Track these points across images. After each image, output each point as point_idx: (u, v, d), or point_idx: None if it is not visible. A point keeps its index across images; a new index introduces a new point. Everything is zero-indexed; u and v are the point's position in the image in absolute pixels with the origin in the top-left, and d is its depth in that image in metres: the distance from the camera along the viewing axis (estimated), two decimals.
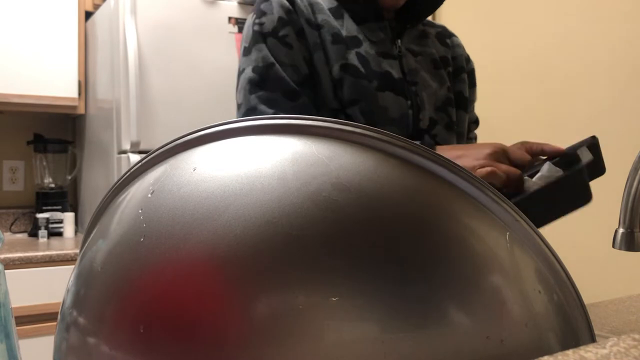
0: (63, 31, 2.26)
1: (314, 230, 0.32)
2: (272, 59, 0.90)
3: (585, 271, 1.70)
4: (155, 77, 1.97)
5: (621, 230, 0.53)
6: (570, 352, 0.30)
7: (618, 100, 1.66)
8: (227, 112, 2.05)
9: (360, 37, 0.95)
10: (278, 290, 0.31)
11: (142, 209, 0.36)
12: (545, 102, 1.86)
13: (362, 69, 0.92)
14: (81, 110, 2.34)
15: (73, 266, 1.66)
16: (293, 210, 0.33)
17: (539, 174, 0.81)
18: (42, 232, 2.18)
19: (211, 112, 2.03)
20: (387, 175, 0.35)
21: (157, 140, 1.96)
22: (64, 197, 2.40)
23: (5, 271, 1.85)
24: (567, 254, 1.74)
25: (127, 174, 0.42)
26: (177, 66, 2.00)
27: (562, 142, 1.79)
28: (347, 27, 0.95)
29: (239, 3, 2.10)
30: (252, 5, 2.11)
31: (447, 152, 0.84)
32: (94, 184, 2.29)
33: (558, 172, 0.81)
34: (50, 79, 2.24)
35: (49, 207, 2.30)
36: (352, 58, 0.92)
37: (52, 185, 2.43)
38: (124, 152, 1.97)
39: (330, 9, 0.96)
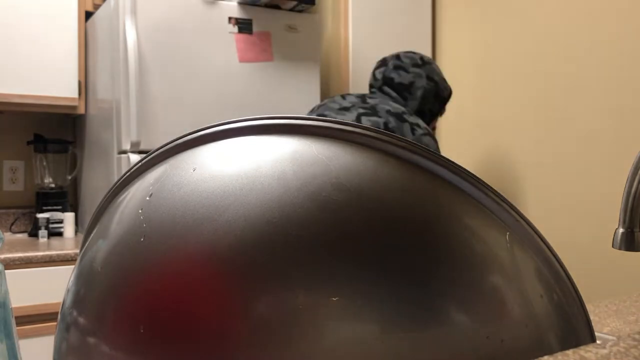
0: (63, 31, 2.26)
1: (314, 230, 0.32)
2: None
3: (585, 271, 1.70)
4: (155, 77, 1.97)
5: (621, 230, 0.53)
6: (570, 352, 0.30)
7: (618, 100, 1.66)
8: (227, 112, 2.05)
9: None
10: (278, 290, 0.31)
11: (142, 209, 0.36)
12: (545, 102, 1.86)
13: None
14: (81, 110, 2.34)
15: (73, 266, 1.66)
16: (293, 210, 0.33)
17: None
18: (42, 232, 2.18)
19: (211, 112, 2.03)
20: (387, 175, 0.35)
21: (157, 140, 1.96)
22: (64, 197, 2.40)
23: (5, 271, 1.85)
24: (567, 254, 1.74)
25: (127, 174, 0.42)
26: (177, 66, 2.00)
27: (562, 141, 1.79)
28: None
29: (239, 3, 2.10)
30: (252, 5, 2.11)
31: None
32: (94, 184, 2.29)
33: None
34: (50, 79, 2.24)
35: (49, 207, 2.30)
36: None
37: (52, 185, 2.43)
38: (124, 152, 1.97)
39: None
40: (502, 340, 0.32)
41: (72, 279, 0.40)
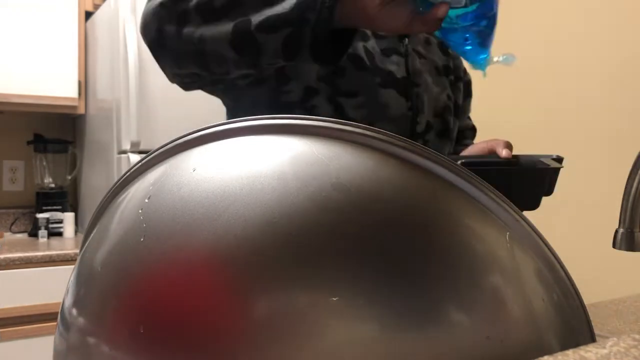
0: (63, 31, 2.26)
1: (314, 230, 0.32)
2: None
3: (585, 271, 1.70)
4: (155, 77, 1.97)
5: (621, 230, 0.53)
6: (570, 352, 0.30)
7: (618, 100, 1.66)
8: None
9: (368, 32, 0.91)
10: (278, 290, 0.31)
11: (142, 209, 0.36)
12: (545, 102, 1.86)
13: (367, 63, 0.89)
14: (81, 110, 2.34)
15: (73, 266, 1.66)
16: (293, 210, 0.33)
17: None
18: (42, 232, 2.18)
19: (211, 112, 2.03)
20: (387, 175, 0.35)
21: (157, 140, 1.97)
22: (64, 197, 2.40)
23: (5, 271, 1.85)
24: (567, 254, 1.74)
25: (127, 174, 0.42)
26: None
27: (562, 141, 1.79)
28: None
29: None
30: None
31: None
32: (94, 184, 2.29)
33: (545, 160, 0.79)
34: (50, 79, 2.24)
35: (49, 207, 2.30)
36: (360, 49, 0.89)
37: (52, 185, 2.43)
38: (124, 152, 1.97)
39: None
40: (502, 340, 0.32)
41: (72, 279, 0.40)
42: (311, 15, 0.68)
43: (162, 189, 0.37)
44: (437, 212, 0.35)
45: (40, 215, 2.20)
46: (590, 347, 0.30)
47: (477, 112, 1.97)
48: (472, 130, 1.15)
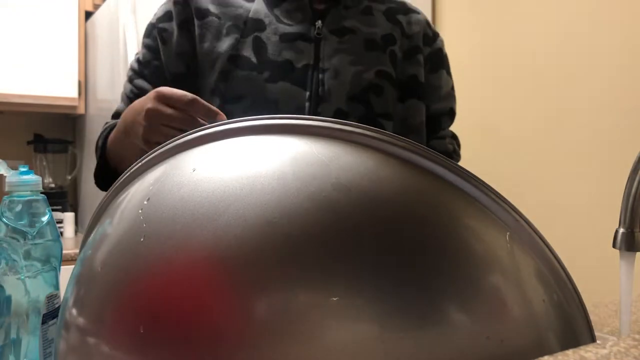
0: (63, 31, 2.26)
1: (314, 230, 0.32)
2: (149, 55, 0.89)
3: (585, 271, 1.70)
4: None
5: (621, 230, 0.53)
6: (570, 352, 0.30)
7: (618, 100, 1.67)
8: None
9: (267, 20, 0.86)
10: (278, 290, 0.31)
11: (142, 209, 0.36)
12: (545, 103, 1.86)
13: (253, 59, 0.83)
14: (81, 110, 2.34)
15: (73, 266, 1.66)
16: (293, 210, 0.33)
17: None
18: None
19: None
20: (387, 176, 0.35)
21: None
22: (64, 197, 2.40)
23: None
24: (567, 254, 1.74)
25: (127, 174, 0.42)
26: None
27: (563, 141, 1.79)
28: (257, 9, 0.87)
29: None
30: None
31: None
32: (94, 184, 2.29)
33: None
34: (50, 79, 2.24)
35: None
36: (246, 47, 0.84)
37: (52, 185, 2.43)
38: None
39: None
40: (502, 340, 0.32)
41: (72, 279, 0.40)
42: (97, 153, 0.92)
43: (162, 189, 0.37)
44: (437, 212, 0.35)
45: None
46: (590, 347, 0.30)
47: (478, 113, 1.96)
48: (449, 115, 1.00)
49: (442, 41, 0.98)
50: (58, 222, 2.29)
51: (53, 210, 2.57)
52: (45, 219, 0.55)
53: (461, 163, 2.10)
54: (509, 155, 1.96)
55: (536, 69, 1.90)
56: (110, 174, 0.91)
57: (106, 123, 0.96)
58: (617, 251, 0.55)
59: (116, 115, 0.93)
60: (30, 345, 0.52)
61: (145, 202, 0.37)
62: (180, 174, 0.37)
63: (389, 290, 0.31)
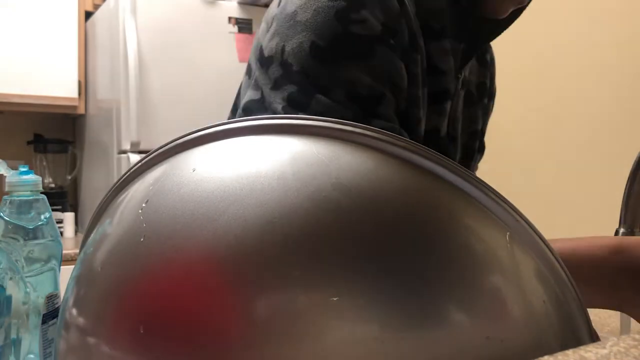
0: (63, 31, 2.26)
1: (314, 230, 0.32)
2: (380, 88, 0.58)
3: None
4: (155, 77, 1.97)
5: (621, 230, 0.53)
6: (570, 352, 0.30)
7: (619, 101, 1.67)
8: (227, 112, 2.05)
9: (429, 64, 0.64)
10: (278, 290, 0.31)
11: (142, 209, 0.36)
12: (545, 103, 1.86)
13: (416, 127, 0.63)
14: (81, 110, 2.34)
15: (73, 266, 1.66)
16: (293, 210, 0.33)
17: None
18: None
19: (211, 112, 2.03)
20: (387, 175, 0.35)
21: (157, 140, 1.96)
22: (64, 197, 2.40)
23: None
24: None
25: (127, 174, 0.42)
26: (177, 66, 2.00)
27: (563, 141, 1.79)
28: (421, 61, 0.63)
29: (239, 3, 2.10)
30: (252, 5, 2.11)
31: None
32: (94, 184, 2.29)
33: None
34: (50, 79, 2.24)
35: None
36: (412, 114, 0.62)
37: (52, 185, 2.43)
38: (124, 152, 1.97)
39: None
40: (502, 340, 0.32)
41: (72, 279, 0.40)
42: None
43: (162, 189, 0.37)
44: (437, 212, 0.35)
45: None
46: (590, 347, 0.30)
47: None
48: (481, 152, 0.89)
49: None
50: (58, 222, 2.29)
51: (53, 210, 2.57)
52: (45, 219, 0.55)
53: None
54: (508, 154, 1.96)
55: (536, 69, 1.90)
56: None
57: None
58: None
59: None
60: (31, 345, 0.52)
61: (145, 202, 0.37)
62: (180, 174, 0.37)
63: (389, 290, 0.31)
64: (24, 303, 0.51)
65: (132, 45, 1.91)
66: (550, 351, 0.33)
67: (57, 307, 0.55)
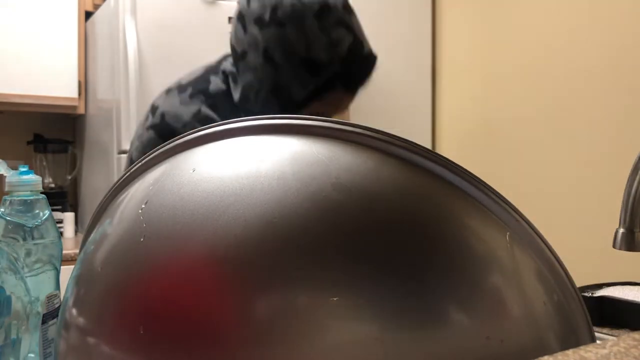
0: (63, 31, 2.26)
1: (314, 230, 0.32)
2: None
3: (585, 271, 1.70)
4: (155, 77, 1.97)
5: (621, 230, 0.53)
6: (570, 352, 0.30)
7: (619, 100, 1.66)
8: None
9: None
10: (278, 290, 0.31)
11: (142, 209, 0.36)
12: (545, 103, 1.86)
13: None
14: (81, 110, 2.34)
15: (73, 266, 1.66)
16: (293, 210, 0.33)
17: None
18: None
19: None
20: (387, 175, 0.35)
21: None
22: (64, 197, 2.40)
23: None
24: (567, 254, 1.74)
25: (127, 174, 0.42)
26: (177, 66, 2.00)
27: (563, 141, 1.79)
28: None
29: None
30: None
31: None
32: (94, 184, 2.29)
33: None
34: (50, 79, 2.24)
35: None
36: None
37: (52, 185, 2.43)
38: (124, 152, 1.97)
39: None
40: (502, 340, 0.32)
41: (72, 279, 0.40)
42: None
43: (162, 189, 0.37)
44: (437, 212, 0.35)
45: None
46: (590, 347, 0.30)
47: (479, 112, 1.96)
48: None
49: None
50: (58, 222, 2.29)
51: (53, 210, 2.57)
52: (45, 219, 0.55)
53: (461, 163, 2.11)
54: (509, 155, 1.96)
55: (536, 69, 1.90)
56: None
57: None
58: (617, 251, 0.55)
59: None
60: (31, 345, 0.52)
61: (145, 202, 0.37)
62: (180, 174, 0.37)
63: (389, 290, 0.31)
64: (24, 303, 0.51)
65: (132, 45, 1.91)
66: (550, 351, 0.33)
67: (57, 307, 0.55)
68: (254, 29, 0.86)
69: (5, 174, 0.56)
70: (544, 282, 0.36)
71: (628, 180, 0.53)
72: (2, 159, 0.58)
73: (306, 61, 0.83)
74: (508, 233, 0.36)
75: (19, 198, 0.55)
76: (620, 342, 0.30)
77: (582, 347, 0.30)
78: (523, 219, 0.37)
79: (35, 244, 0.53)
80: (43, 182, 2.42)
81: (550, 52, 1.85)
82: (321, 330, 0.30)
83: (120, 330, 0.33)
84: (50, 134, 2.50)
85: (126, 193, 0.40)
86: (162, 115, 0.91)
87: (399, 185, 0.35)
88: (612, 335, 0.69)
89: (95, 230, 0.41)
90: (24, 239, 0.53)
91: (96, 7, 2.34)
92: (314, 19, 0.82)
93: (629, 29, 1.64)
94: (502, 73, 1.99)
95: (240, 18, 0.90)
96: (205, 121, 0.87)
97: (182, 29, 2.01)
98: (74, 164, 2.52)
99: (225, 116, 0.89)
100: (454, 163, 0.36)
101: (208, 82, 0.95)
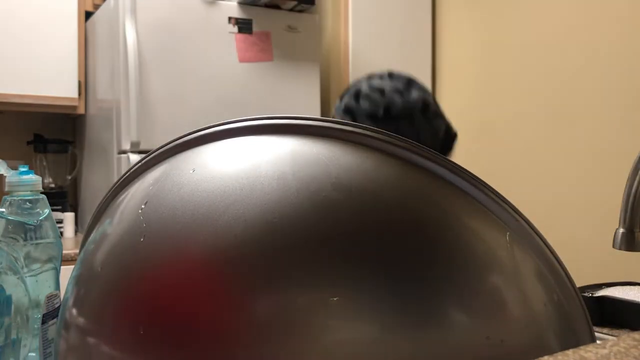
0: (63, 31, 2.26)
1: (314, 230, 0.32)
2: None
3: (585, 271, 1.70)
4: (155, 77, 1.97)
5: (621, 230, 0.53)
6: (570, 352, 0.30)
7: (619, 100, 1.66)
8: (227, 112, 2.05)
9: None
10: (278, 290, 0.31)
11: (142, 209, 0.36)
12: (545, 103, 1.86)
13: None
14: (81, 110, 2.34)
15: (73, 266, 1.66)
16: (293, 210, 0.33)
17: None
18: None
19: (211, 112, 2.03)
20: (387, 176, 0.35)
21: (157, 140, 1.96)
22: (64, 197, 2.40)
23: None
24: (567, 254, 1.74)
25: (127, 174, 0.42)
26: (177, 66, 2.00)
27: (562, 141, 1.79)
28: None
29: (239, 3, 2.10)
30: (252, 5, 2.11)
31: None
32: (94, 184, 2.29)
33: None
34: (50, 79, 2.24)
35: None
36: None
37: (52, 185, 2.43)
38: (124, 152, 1.97)
39: None
40: (502, 340, 0.32)
41: (72, 279, 0.40)
42: None
43: (162, 189, 0.37)
44: (437, 212, 0.35)
45: None
46: (590, 347, 0.30)
47: (479, 112, 1.96)
48: None
49: None
50: (58, 222, 2.29)
51: (53, 210, 2.58)
52: (45, 219, 0.55)
53: (461, 163, 2.11)
54: (508, 154, 1.96)
55: (536, 69, 1.90)
56: None
57: None
58: (617, 251, 0.55)
59: None
60: (31, 345, 0.52)
61: (145, 202, 0.37)
62: (180, 174, 0.37)
63: (389, 290, 0.31)
64: (24, 303, 0.51)
65: (132, 45, 1.91)
66: (550, 351, 0.33)
67: (57, 307, 0.55)
68: (366, 124, 1.03)
69: (5, 174, 0.56)
70: (544, 282, 0.36)
71: (628, 180, 0.53)
72: (2, 159, 0.58)
73: None
74: (508, 233, 0.36)
75: (19, 198, 0.55)
76: (620, 342, 0.30)
77: (582, 347, 0.30)
78: (523, 219, 0.37)
79: (35, 244, 0.53)
80: (43, 182, 2.42)
81: (550, 52, 1.85)
82: (321, 330, 0.30)
83: (120, 330, 0.33)
84: (50, 134, 2.50)
85: (126, 193, 0.40)
86: None
87: (399, 185, 0.35)
88: (612, 335, 0.69)
89: (95, 230, 0.41)
90: (24, 239, 0.53)
91: (96, 7, 2.34)
92: (420, 114, 1.02)
93: (628, 29, 1.64)
94: (502, 73, 1.99)
95: (349, 112, 1.05)
96: None
97: (182, 29, 2.01)
98: (74, 164, 2.53)
99: None
100: (454, 163, 0.36)
101: None
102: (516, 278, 0.35)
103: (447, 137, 1.08)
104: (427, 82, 2.23)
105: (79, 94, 2.31)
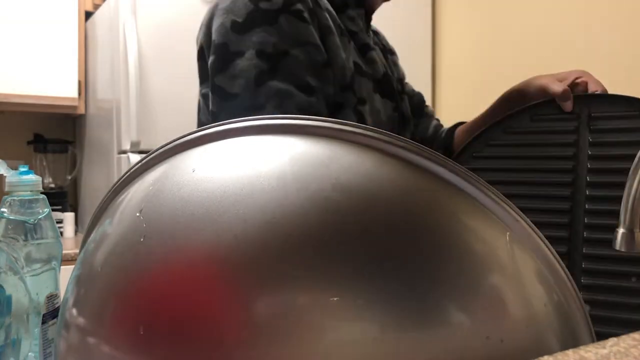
0: (63, 31, 2.26)
1: (314, 230, 0.32)
2: (284, 46, 0.74)
3: None
4: (155, 77, 1.97)
5: (621, 230, 0.53)
6: (570, 352, 0.30)
7: None
8: None
9: (345, 28, 0.84)
10: (278, 290, 0.31)
11: (141, 210, 0.36)
12: None
13: (363, 67, 0.83)
14: (81, 110, 2.34)
15: (73, 266, 1.66)
16: (293, 210, 0.33)
17: None
18: None
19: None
20: (387, 176, 0.35)
21: (157, 140, 1.96)
22: (64, 197, 2.40)
23: None
24: None
25: (127, 174, 0.42)
26: (177, 66, 2.00)
27: None
28: (331, 17, 0.81)
29: None
30: None
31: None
32: (94, 184, 2.30)
33: None
34: (50, 79, 2.24)
35: None
36: (354, 53, 0.82)
37: (52, 185, 2.43)
38: (124, 152, 1.97)
39: None
40: (502, 340, 0.32)
41: (72, 279, 0.40)
42: None
43: (162, 189, 0.37)
44: (437, 213, 0.35)
45: None
46: (590, 347, 0.30)
47: (479, 111, 1.96)
48: (420, 96, 1.11)
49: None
50: (58, 222, 2.29)
51: (53, 210, 2.57)
52: (45, 219, 0.55)
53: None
54: None
55: (536, 69, 1.90)
56: None
57: None
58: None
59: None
60: (31, 345, 0.52)
61: (145, 203, 0.37)
62: (180, 174, 0.37)
63: (389, 290, 0.31)
64: (24, 303, 0.51)
65: (132, 45, 1.91)
66: (550, 351, 0.33)
67: (57, 307, 0.55)
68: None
69: (5, 174, 0.56)
70: (544, 282, 0.36)
71: (628, 180, 0.53)
72: (2, 159, 0.58)
73: None
74: (508, 233, 0.36)
75: (19, 198, 0.55)
76: (620, 342, 0.30)
77: (582, 347, 0.30)
78: (523, 219, 0.37)
79: (35, 244, 0.54)
80: (43, 182, 2.42)
81: (550, 52, 1.85)
82: (321, 330, 0.30)
83: (120, 330, 0.33)
84: (50, 134, 2.50)
85: (126, 193, 0.40)
86: None
87: (399, 186, 0.35)
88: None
89: (95, 230, 0.41)
90: (24, 239, 0.53)
91: (96, 7, 2.34)
92: None
93: (628, 29, 1.64)
94: (502, 73, 1.99)
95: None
96: None
97: (182, 29, 2.01)
98: (74, 164, 2.53)
99: None
100: (454, 163, 0.36)
101: None
102: (516, 278, 0.35)
103: None
104: (427, 82, 2.23)
105: (79, 94, 2.31)
